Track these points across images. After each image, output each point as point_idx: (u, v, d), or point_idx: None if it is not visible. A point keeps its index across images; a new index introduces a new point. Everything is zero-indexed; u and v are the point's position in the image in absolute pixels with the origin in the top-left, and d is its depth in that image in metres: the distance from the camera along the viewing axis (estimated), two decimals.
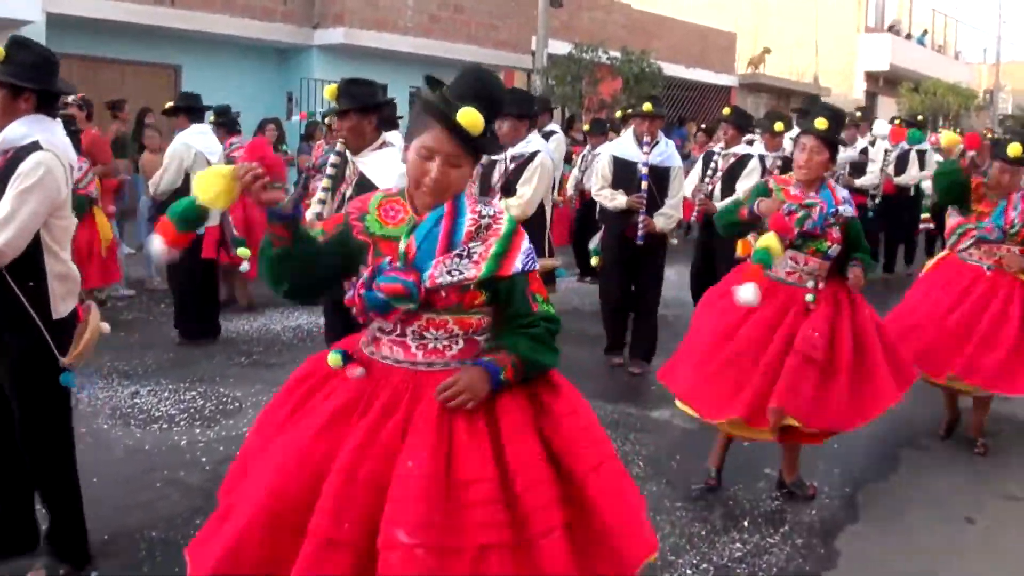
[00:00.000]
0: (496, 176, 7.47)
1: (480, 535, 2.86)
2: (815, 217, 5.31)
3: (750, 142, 10.59)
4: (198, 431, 6.69)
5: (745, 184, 8.91)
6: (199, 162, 9.08)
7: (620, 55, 22.08)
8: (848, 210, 5.48)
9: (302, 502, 2.94)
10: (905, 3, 42.07)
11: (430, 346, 3.19)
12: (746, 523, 5.44)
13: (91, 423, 6.70)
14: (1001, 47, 46.80)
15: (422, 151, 3.12)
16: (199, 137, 9.30)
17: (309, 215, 5.77)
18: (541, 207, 7.51)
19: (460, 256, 3.11)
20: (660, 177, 8.58)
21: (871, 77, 38.10)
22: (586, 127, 13.47)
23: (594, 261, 9.27)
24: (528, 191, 7.31)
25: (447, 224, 3.15)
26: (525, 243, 3.22)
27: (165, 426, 6.79)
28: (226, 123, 11.30)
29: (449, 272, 3.09)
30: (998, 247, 6.62)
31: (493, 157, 7.45)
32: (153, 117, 13.93)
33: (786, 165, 9.28)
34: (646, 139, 8.63)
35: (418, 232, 3.15)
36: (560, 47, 21.75)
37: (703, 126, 19.01)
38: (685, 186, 9.40)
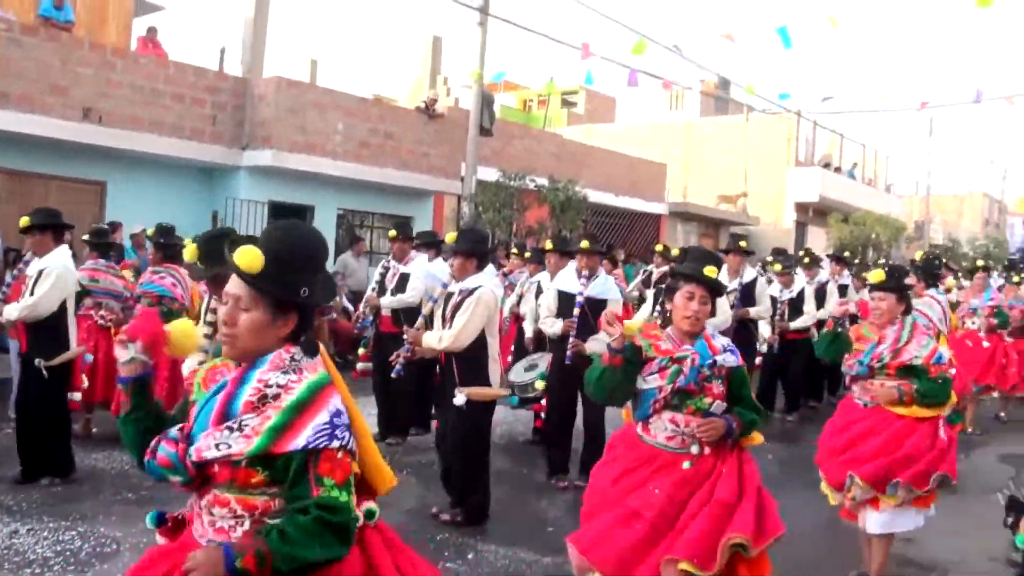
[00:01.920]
0: (449, 308, 7.85)
1: None
2: (686, 371, 4.88)
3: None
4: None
5: None
6: (73, 287, 8.70)
7: (547, 183, 22.34)
8: (729, 359, 5.05)
9: None
10: (836, 138, 43.06)
11: (217, 524, 3.03)
12: None
13: None
14: (932, 180, 48.05)
15: (223, 298, 3.09)
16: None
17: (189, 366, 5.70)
18: (482, 338, 7.78)
19: (231, 429, 2.93)
20: (597, 307, 9.07)
21: (801, 207, 38.76)
22: (527, 254, 13.60)
23: (540, 385, 9.54)
24: (460, 322, 7.64)
25: (227, 392, 3.02)
26: (323, 416, 2.96)
27: (38, 570, 6.45)
28: (100, 246, 10.54)
29: (217, 446, 2.93)
30: (871, 382, 6.65)
31: (449, 290, 7.97)
32: (71, 235, 13.72)
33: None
34: (585, 273, 9.55)
35: (199, 401, 3.06)
36: (490, 173, 21.95)
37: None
38: (637, 316, 10.13)
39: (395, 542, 3.26)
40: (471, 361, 7.74)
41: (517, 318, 11.89)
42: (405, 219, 21.00)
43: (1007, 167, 75.66)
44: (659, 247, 16.24)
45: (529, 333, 11.04)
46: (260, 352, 3.07)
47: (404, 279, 10.66)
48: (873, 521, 6.58)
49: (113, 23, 19.83)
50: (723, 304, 11.53)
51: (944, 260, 13.70)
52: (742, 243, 12.95)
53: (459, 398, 7.58)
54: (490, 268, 8.59)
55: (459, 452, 7.81)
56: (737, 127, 37.59)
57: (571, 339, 9.37)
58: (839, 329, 7.00)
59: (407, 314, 10.28)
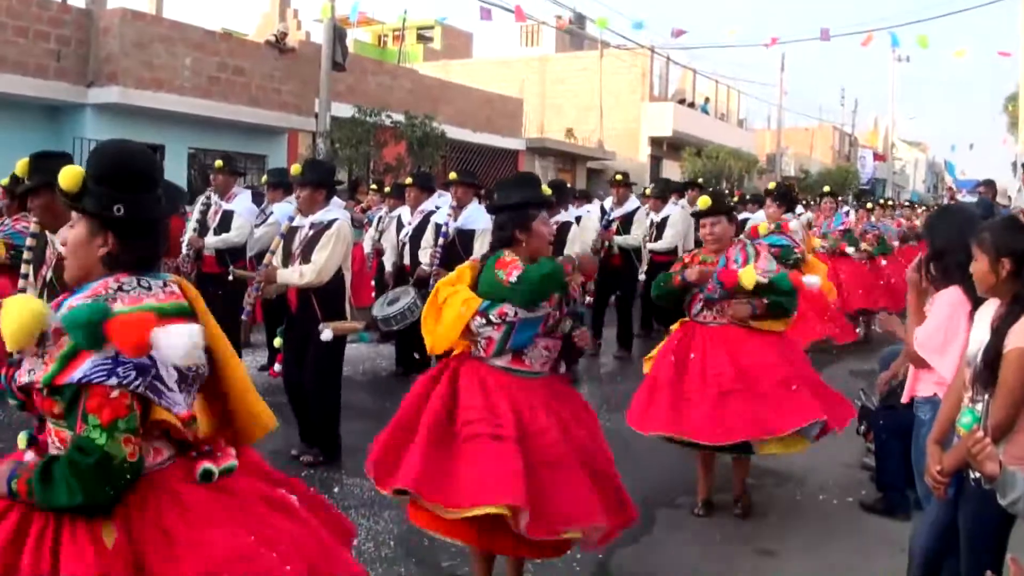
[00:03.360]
0: (296, 243, 7.61)
1: None
2: (575, 294, 5.10)
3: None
4: None
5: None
6: None
7: (404, 119, 22.14)
8: None
9: None
10: (689, 74, 43.60)
11: (51, 452, 2.90)
12: None
13: None
14: (784, 115, 48.97)
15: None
16: None
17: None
18: (340, 273, 7.59)
19: (38, 355, 2.79)
20: (466, 237, 9.72)
21: (655, 142, 39.27)
22: (387, 190, 13.52)
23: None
24: (321, 257, 7.40)
25: None
26: (110, 350, 2.74)
27: None
28: None
29: (29, 371, 2.79)
30: (727, 304, 6.71)
31: (295, 224, 7.71)
32: None
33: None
34: (453, 203, 9.93)
35: None
36: (345, 110, 21.65)
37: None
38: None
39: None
40: (331, 296, 7.56)
41: (379, 253, 11.82)
42: (258, 157, 20.68)
43: (857, 100, 77.26)
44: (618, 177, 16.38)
45: (389, 267, 11.03)
46: (84, 273, 2.98)
47: (227, 217, 10.31)
48: None
49: None
50: (585, 234, 11.88)
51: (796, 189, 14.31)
52: (618, 176, 13.66)
53: (326, 333, 7.36)
54: (336, 200, 8.48)
55: (319, 388, 7.66)
56: (592, 63, 37.74)
57: (434, 268, 9.59)
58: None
59: (232, 254, 10.09)
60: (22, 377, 2.80)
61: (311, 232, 7.53)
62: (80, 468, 2.68)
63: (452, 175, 10.15)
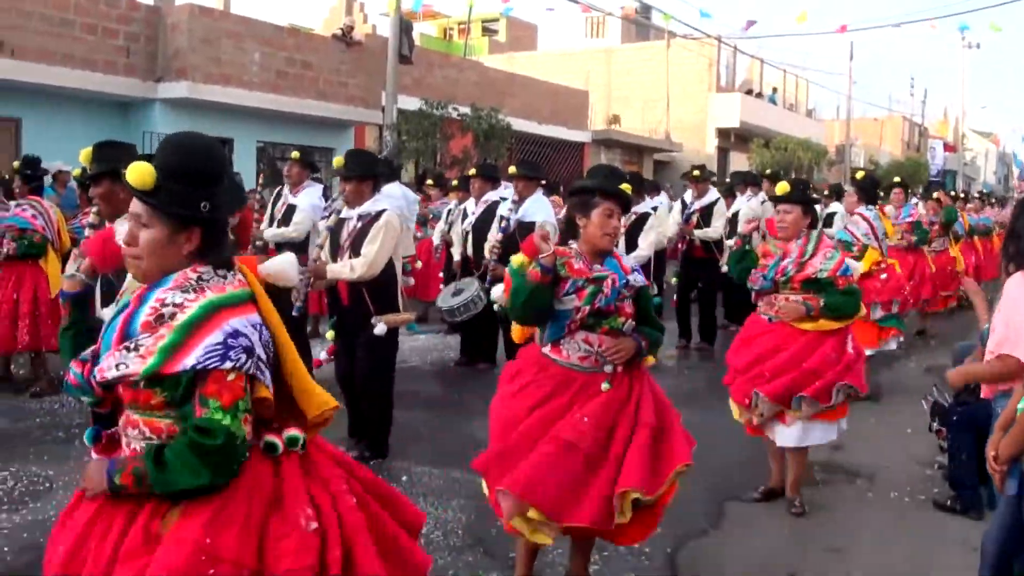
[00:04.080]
0: (344, 235, 7.49)
1: None
2: (607, 292, 4.75)
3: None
4: (3, 516, 6.20)
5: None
6: None
7: (470, 111, 22.19)
8: (639, 279, 4.95)
9: None
10: (756, 64, 43.25)
11: (132, 445, 2.97)
12: None
13: None
14: (853, 105, 48.49)
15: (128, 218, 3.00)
16: None
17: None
18: (390, 263, 7.48)
19: (128, 348, 2.85)
20: (526, 230, 9.35)
21: (722, 133, 38.99)
22: (454, 183, 13.68)
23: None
24: (372, 250, 7.27)
25: (128, 312, 2.94)
26: (216, 336, 2.83)
27: None
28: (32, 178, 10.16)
29: (116, 366, 2.86)
30: (775, 297, 6.67)
31: (342, 216, 7.57)
32: None
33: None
34: (514, 197, 9.93)
35: (107, 322, 3.01)
36: (412, 103, 21.73)
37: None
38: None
39: (326, 471, 3.15)
40: (383, 288, 7.46)
41: (447, 245, 11.90)
42: (326, 150, 20.81)
43: (927, 90, 76.35)
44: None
45: (456, 256, 11.07)
46: (164, 272, 2.97)
47: (291, 210, 10.32)
48: (783, 435, 6.61)
49: None
50: (663, 226, 12.00)
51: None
52: (695, 172, 13.42)
53: (379, 327, 7.32)
54: (395, 187, 8.38)
55: (373, 383, 7.60)
56: (658, 53, 37.56)
57: (492, 264, 9.83)
58: (747, 247, 7.05)
59: (291, 249, 10.03)
60: (106, 372, 2.87)
61: (359, 224, 7.42)
62: (206, 449, 2.76)
63: (512, 169, 10.08)
